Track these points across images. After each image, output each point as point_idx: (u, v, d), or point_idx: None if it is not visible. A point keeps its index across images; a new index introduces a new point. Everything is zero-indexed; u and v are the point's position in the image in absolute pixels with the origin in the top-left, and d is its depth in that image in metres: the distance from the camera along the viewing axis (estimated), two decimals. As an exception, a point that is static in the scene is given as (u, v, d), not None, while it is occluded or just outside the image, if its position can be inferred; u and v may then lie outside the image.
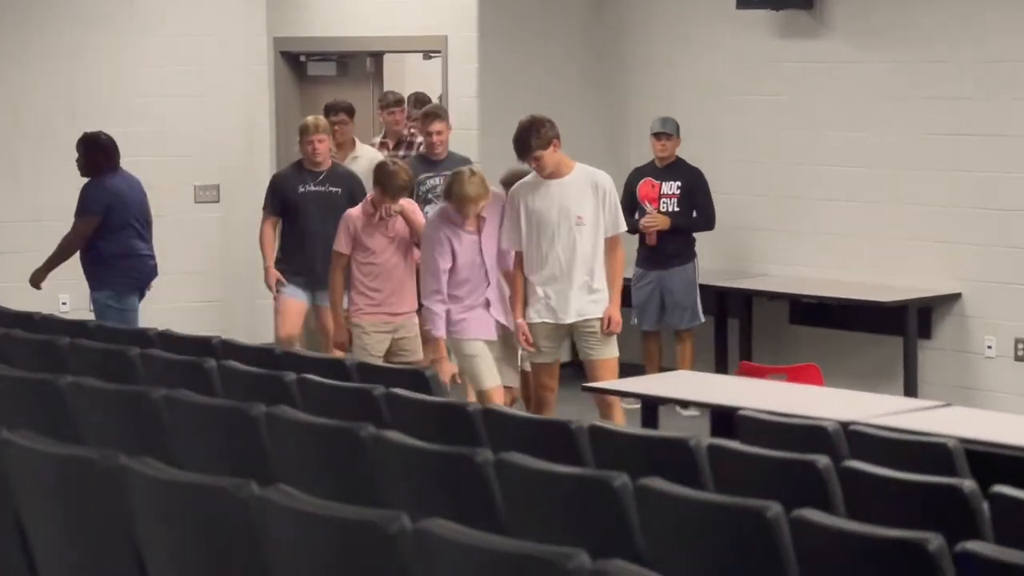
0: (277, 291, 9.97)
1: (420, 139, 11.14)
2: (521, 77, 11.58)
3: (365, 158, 10.67)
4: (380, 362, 8.61)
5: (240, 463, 5.10)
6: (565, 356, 9.04)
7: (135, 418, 5.62)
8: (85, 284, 9.80)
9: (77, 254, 9.76)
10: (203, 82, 12.21)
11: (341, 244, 9.01)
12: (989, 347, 10.20)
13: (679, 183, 10.56)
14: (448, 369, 8.58)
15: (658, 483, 4.29)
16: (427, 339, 8.82)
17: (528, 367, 8.71)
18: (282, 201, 10.01)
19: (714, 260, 10.95)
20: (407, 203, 9.05)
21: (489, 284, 8.61)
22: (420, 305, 8.88)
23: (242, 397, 5.90)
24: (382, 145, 11.23)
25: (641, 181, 10.63)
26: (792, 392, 7.73)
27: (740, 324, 11.00)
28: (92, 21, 11.81)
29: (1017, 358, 10.10)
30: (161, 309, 10.96)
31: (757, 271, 11.15)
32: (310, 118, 10.17)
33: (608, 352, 8.44)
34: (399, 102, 11.54)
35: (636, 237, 10.45)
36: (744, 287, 10.91)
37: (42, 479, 4.23)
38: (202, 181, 12.28)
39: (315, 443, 5.21)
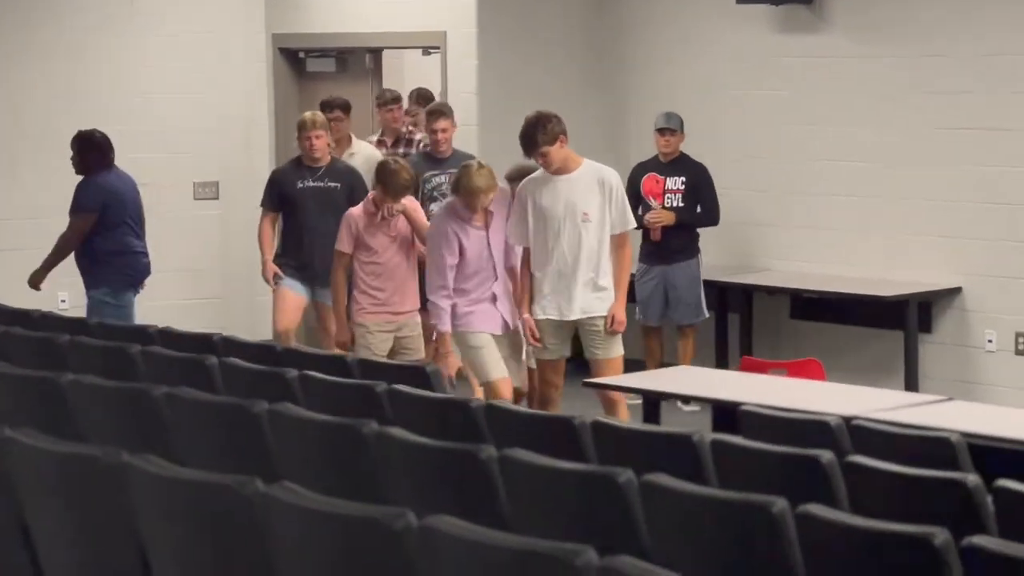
0: (275, 284, 9.97)
1: (419, 136, 11.14)
2: (520, 73, 11.57)
3: (361, 155, 10.66)
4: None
5: (242, 460, 5.09)
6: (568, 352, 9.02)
7: (136, 416, 5.61)
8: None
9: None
10: (202, 80, 12.20)
11: (343, 243, 8.99)
12: (990, 341, 10.20)
13: (683, 178, 10.55)
14: (453, 364, 8.58)
15: (663, 479, 4.28)
16: (430, 333, 8.82)
17: (534, 364, 8.69)
18: (281, 197, 10.01)
19: (716, 256, 10.94)
20: (409, 202, 9.04)
21: (497, 279, 8.61)
22: (424, 303, 8.87)
23: (243, 394, 5.89)
24: (380, 143, 11.20)
25: (645, 176, 10.62)
26: (794, 387, 7.72)
27: (740, 319, 10.99)
28: (91, 20, 11.79)
29: (1017, 352, 10.10)
30: (160, 306, 10.95)
31: (758, 266, 11.14)
32: (307, 114, 10.17)
33: (613, 351, 8.41)
34: (396, 99, 11.52)
35: (640, 232, 10.44)
36: (744, 282, 10.90)
37: (45, 477, 4.22)
38: (201, 178, 12.27)
39: (318, 440, 5.20)
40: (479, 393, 8.55)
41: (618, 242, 8.45)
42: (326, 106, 10.80)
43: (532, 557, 3.10)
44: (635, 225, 8.77)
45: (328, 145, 10.08)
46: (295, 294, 9.94)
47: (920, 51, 10.36)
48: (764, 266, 11.13)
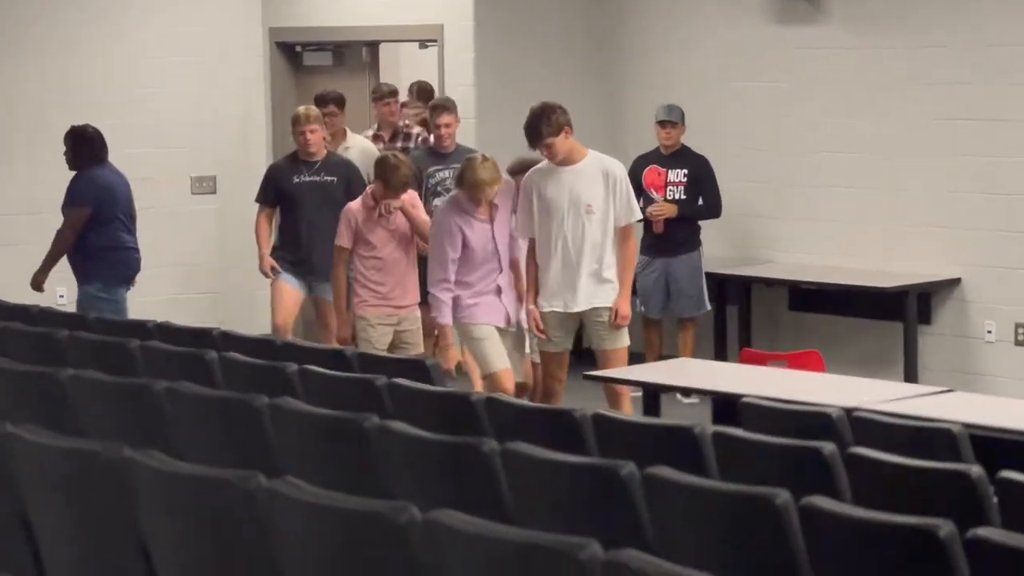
0: (272, 277, 9.96)
1: (417, 129, 11.12)
2: (518, 66, 11.55)
3: (357, 148, 10.64)
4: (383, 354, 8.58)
5: (243, 455, 5.07)
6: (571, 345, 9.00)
7: (137, 410, 5.60)
8: (81, 277, 9.80)
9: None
10: (198, 74, 12.17)
11: (343, 239, 8.96)
12: (989, 332, 10.19)
13: (685, 171, 10.54)
14: (453, 356, 8.57)
15: (666, 472, 4.26)
16: (430, 328, 8.81)
17: (538, 358, 8.66)
18: (277, 192, 9.99)
19: (715, 248, 10.92)
20: (408, 197, 9.01)
21: (502, 271, 8.60)
22: (424, 297, 8.86)
23: (243, 388, 5.88)
24: (376, 137, 11.17)
25: (646, 169, 10.60)
26: (794, 379, 7.71)
27: (739, 311, 10.98)
28: (86, 13, 11.76)
29: (1017, 343, 10.10)
30: (158, 301, 10.94)
31: (758, 258, 11.13)
32: (301, 108, 10.15)
33: (619, 342, 8.38)
34: (393, 93, 11.50)
35: (641, 225, 10.41)
36: (743, 274, 10.89)
37: (47, 472, 4.21)
38: (198, 173, 12.25)
39: (319, 434, 5.19)
40: (479, 387, 8.53)
41: (622, 235, 8.41)
42: (320, 101, 10.78)
43: (536, 551, 3.09)
44: (640, 217, 8.76)
45: (324, 139, 10.06)
46: (292, 288, 9.93)
47: (918, 42, 10.35)
48: (765, 258, 11.12)
